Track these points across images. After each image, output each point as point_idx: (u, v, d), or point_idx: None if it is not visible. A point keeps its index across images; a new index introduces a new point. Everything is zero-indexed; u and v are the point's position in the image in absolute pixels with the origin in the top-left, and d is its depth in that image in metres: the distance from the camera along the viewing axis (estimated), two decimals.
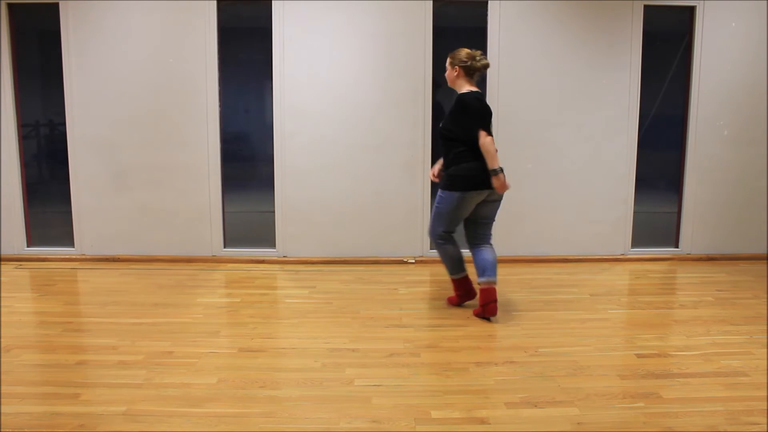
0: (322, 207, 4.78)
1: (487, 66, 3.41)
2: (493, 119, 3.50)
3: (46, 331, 3.31)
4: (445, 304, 3.73)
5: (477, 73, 3.42)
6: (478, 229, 3.49)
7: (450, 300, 3.73)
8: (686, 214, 4.95)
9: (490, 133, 3.27)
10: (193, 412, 2.41)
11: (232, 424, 2.32)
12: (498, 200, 3.44)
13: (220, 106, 4.69)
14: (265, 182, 4.81)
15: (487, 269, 3.39)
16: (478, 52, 3.41)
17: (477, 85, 3.44)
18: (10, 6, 4.62)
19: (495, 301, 3.41)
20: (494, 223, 3.56)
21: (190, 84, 4.65)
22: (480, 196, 3.34)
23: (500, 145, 4.74)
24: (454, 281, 3.64)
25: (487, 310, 3.41)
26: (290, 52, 4.62)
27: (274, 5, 4.58)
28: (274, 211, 4.80)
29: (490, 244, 3.51)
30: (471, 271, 3.68)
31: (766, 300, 3.88)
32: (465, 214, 3.43)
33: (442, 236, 3.51)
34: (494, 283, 3.41)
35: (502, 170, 3.28)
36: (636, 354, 3.01)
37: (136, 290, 4.06)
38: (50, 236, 4.91)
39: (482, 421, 2.34)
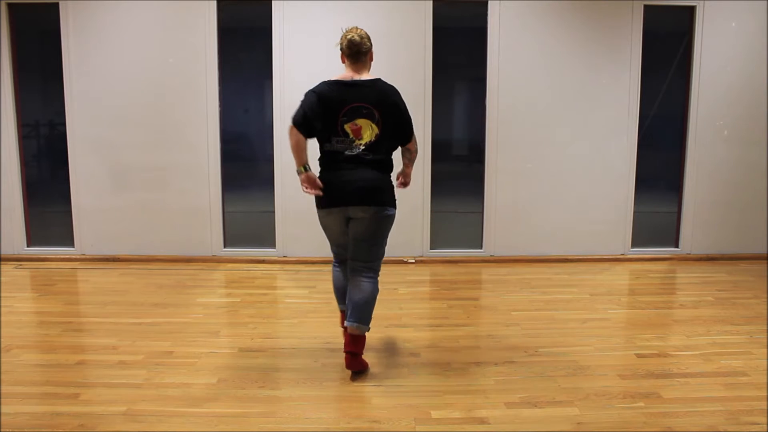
0: None
1: (350, 44, 2.71)
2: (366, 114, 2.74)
3: (46, 331, 3.31)
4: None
5: (353, 55, 2.73)
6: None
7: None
8: (686, 214, 4.95)
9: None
10: (193, 412, 2.41)
11: (232, 424, 2.32)
12: (365, 217, 2.73)
13: (220, 106, 4.69)
14: (265, 182, 4.80)
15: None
16: (349, 29, 2.76)
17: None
18: (10, 6, 4.62)
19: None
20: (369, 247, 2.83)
21: (190, 84, 4.65)
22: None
23: (500, 144, 4.75)
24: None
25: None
26: (290, 52, 4.61)
27: (274, 5, 4.58)
28: (274, 211, 4.80)
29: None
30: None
31: (766, 300, 3.88)
32: (329, 232, 2.90)
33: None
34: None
35: (298, 173, 2.72)
36: (636, 354, 3.00)
37: (136, 290, 4.06)
38: (50, 236, 4.91)
39: (482, 421, 2.34)
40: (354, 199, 2.69)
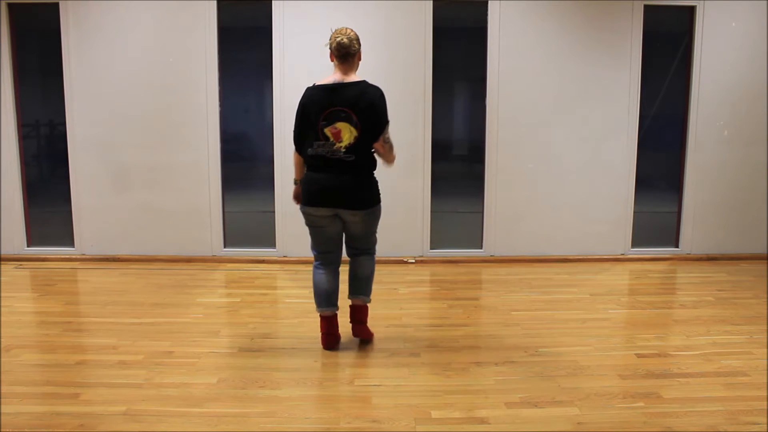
0: None
1: (339, 46, 2.83)
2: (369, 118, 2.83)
3: (46, 331, 3.31)
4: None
5: (342, 57, 2.86)
6: None
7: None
8: (686, 214, 4.95)
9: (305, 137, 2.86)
10: (193, 412, 2.41)
11: (232, 424, 2.32)
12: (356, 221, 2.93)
13: (220, 106, 4.69)
14: (265, 182, 4.80)
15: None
16: (339, 30, 2.88)
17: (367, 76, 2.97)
18: (10, 6, 4.62)
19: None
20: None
21: (189, 84, 4.65)
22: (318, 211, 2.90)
23: (500, 144, 4.75)
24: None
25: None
26: (290, 52, 4.61)
27: (274, 5, 4.58)
28: (274, 211, 4.80)
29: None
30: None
31: (766, 300, 3.88)
32: (315, 229, 2.98)
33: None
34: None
35: (294, 182, 3.02)
36: (636, 354, 3.01)
37: (136, 290, 4.06)
38: (50, 236, 4.91)
39: (482, 421, 2.34)
40: (343, 203, 2.85)
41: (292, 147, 2.99)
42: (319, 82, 2.88)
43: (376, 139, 2.84)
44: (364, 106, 2.78)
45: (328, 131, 2.80)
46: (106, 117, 4.68)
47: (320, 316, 3.02)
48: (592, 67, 4.72)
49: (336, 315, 3.04)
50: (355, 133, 2.79)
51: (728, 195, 4.92)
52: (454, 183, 5.03)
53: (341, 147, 2.80)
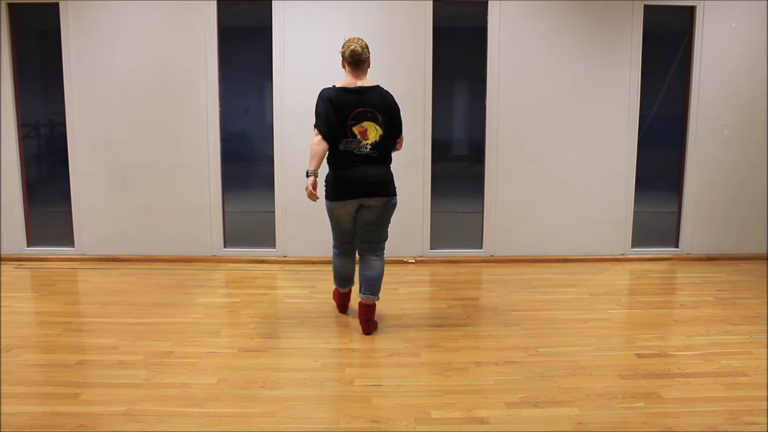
0: (321, 207, 4.76)
1: (352, 53, 3.08)
2: (390, 115, 3.15)
3: (46, 331, 3.31)
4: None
5: (354, 63, 3.11)
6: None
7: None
8: (686, 214, 4.95)
9: (336, 133, 3.06)
10: (193, 412, 2.41)
11: (232, 424, 2.32)
12: (375, 206, 3.17)
13: (220, 106, 4.69)
14: (265, 182, 4.80)
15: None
16: (351, 39, 3.13)
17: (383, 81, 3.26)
18: (10, 6, 4.62)
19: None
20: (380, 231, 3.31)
21: (190, 84, 4.65)
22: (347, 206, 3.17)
23: (500, 144, 4.75)
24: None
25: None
26: (290, 52, 4.61)
27: (274, 5, 4.58)
28: (274, 211, 4.80)
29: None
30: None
31: (766, 300, 3.88)
32: (338, 223, 3.28)
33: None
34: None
35: (308, 174, 3.06)
36: (636, 354, 3.01)
37: (136, 290, 4.06)
38: (50, 236, 4.91)
39: (482, 421, 2.34)
40: (370, 191, 3.12)
41: (308, 140, 3.17)
42: (338, 84, 3.11)
43: (397, 137, 3.21)
44: (388, 108, 3.13)
45: (356, 130, 3.09)
46: (106, 117, 4.68)
47: (339, 291, 3.53)
48: (592, 67, 4.72)
49: (351, 290, 3.56)
50: (380, 131, 3.12)
51: (728, 195, 4.92)
52: (454, 183, 5.03)
53: (367, 144, 3.11)
